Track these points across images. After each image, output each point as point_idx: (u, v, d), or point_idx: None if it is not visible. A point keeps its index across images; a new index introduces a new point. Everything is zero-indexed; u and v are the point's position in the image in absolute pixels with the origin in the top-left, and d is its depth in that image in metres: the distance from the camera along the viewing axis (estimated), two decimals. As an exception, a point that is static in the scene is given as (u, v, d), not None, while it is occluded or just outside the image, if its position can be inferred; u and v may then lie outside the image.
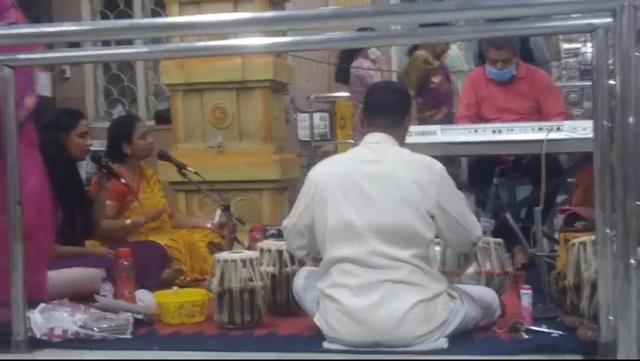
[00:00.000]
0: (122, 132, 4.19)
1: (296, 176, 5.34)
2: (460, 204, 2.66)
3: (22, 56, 2.86)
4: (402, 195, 2.54)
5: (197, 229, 4.35)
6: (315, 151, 7.10)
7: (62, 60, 4.99)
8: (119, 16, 8.00)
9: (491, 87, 4.42)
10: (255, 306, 2.94)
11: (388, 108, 2.75)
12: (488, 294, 2.81)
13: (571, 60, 7.75)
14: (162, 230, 4.19)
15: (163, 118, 7.23)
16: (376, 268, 2.52)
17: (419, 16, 2.70)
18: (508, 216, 3.50)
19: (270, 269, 3.13)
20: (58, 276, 3.26)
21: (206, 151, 5.09)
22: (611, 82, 2.26)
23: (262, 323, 2.98)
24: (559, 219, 4.04)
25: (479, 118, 4.40)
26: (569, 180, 4.37)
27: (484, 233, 2.96)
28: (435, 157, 2.69)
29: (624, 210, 2.16)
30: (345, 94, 6.46)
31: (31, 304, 2.82)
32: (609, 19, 2.25)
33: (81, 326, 2.80)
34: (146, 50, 3.79)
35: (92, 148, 3.97)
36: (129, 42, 4.70)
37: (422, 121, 5.17)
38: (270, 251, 3.17)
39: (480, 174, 4.20)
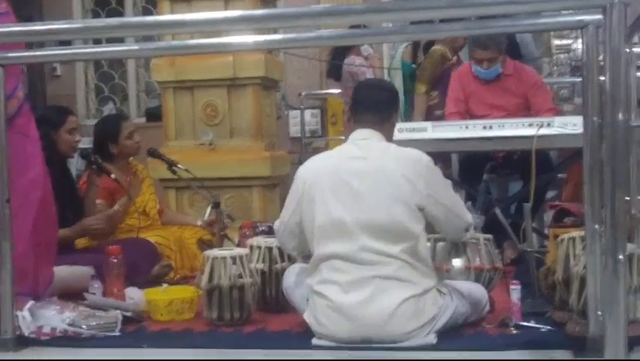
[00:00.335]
0: (108, 132, 4.14)
1: (286, 172, 5.33)
2: (449, 193, 2.70)
3: (12, 54, 2.85)
4: (390, 190, 2.54)
5: (188, 226, 4.33)
6: (306, 148, 7.07)
7: (53, 58, 4.97)
8: (110, 14, 7.96)
9: (478, 84, 4.40)
10: (244, 303, 2.93)
11: (376, 105, 2.75)
12: (477, 290, 2.83)
13: (562, 56, 7.74)
14: (152, 227, 4.17)
15: (154, 115, 7.21)
16: (366, 264, 2.52)
17: (411, 13, 2.68)
18: (497, 211, 3.50)
19: (260, 266, 3.12)
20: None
21: (197, 148, 5.08)
22: (601, 78, 2.27)
23: (252, 320, 2.97)
24: (549, 215, 4.05)
25: (468, 114, 4.38)
26: (559, 175, 4.37)
27: (475, 229, 2.98)
28: (426, 154, 2.69)
29: (613, 206, 2.16)
30: (337, 91, 6.45)
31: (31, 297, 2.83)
32: (599, 16, 2.26)
33: (70, 324, 2.78)
34: (137, 47, 3.76)
35: (81, 145, 3.95)
36: (120, 40, 4.68)
37: (440, 118, 4.87)
38: (259, 248, 3.16)
39: (470, 170, 4.19)
